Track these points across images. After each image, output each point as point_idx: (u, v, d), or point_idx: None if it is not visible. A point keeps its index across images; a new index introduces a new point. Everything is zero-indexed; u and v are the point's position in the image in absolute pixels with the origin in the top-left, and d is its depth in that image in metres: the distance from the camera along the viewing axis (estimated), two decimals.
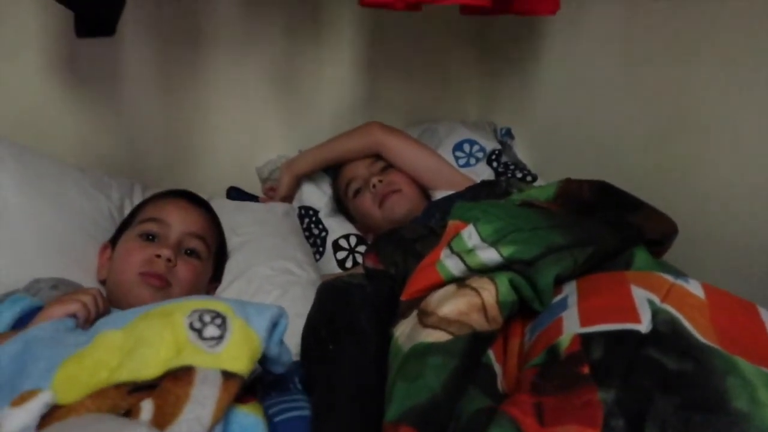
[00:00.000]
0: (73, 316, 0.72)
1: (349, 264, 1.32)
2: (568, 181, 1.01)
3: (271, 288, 1.05)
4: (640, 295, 0.68)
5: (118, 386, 0.57)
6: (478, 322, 0.69)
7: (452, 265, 0.79)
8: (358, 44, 1.53)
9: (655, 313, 0.64)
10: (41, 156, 1.09)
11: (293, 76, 1.48)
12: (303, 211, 1.39)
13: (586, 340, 0.62)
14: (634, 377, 0.56)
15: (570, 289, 0.75)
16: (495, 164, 1.49)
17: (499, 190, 1.20)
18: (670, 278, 0.73)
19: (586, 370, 0.58)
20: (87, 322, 0.74)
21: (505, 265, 0.78)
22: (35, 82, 1.24)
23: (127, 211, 1.09)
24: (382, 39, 1.55)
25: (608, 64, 1.30)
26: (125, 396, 0.57)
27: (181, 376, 0.59)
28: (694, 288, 0.70)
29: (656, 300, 0.67)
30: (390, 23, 1.52)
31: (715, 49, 1.06)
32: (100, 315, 0.76)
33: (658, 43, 1.18)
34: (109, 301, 0.91)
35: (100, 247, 1.00)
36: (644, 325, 0.62)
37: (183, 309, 0.67)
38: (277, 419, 0.70)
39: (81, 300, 0.74)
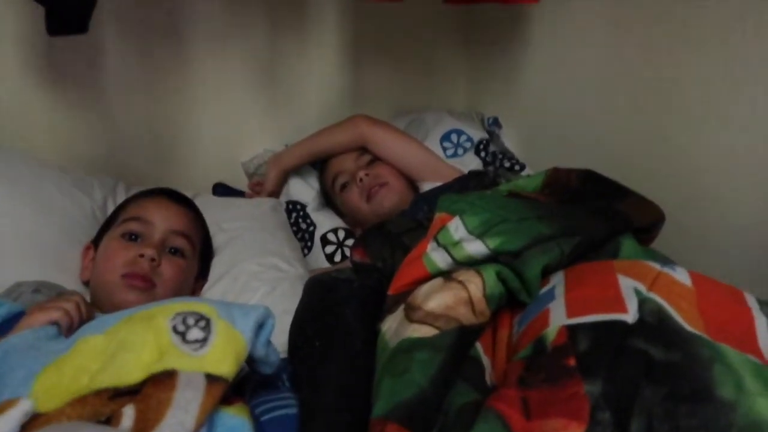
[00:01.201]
0: (55, 323, 0.71)
1: (337, 258, 1.31)
2: (555, 171, 1.00)
3: (259, 284, 1.04)
4: (627, 285, 0.68)
5: (99, 392, 0.56)
6: (465, 316, 0.69)
7: (439, 258, 0.79)
8: (342, 35, 1.52)
9: (642, 302, 0.64)
10: (20, 155, 1.07)
11: (277, 69, 1.46)
12: (290, 206, 1.38)
13: (572, 331, 0.61)
14: (620, 368, 0.56)
15: (557, 280, 0.75)
16: (483, 154, 1.48)
17: (487, 181, 1.20)
18: (656, 266, 0.72)
19: (572, 362, 0.57)
20: (70, 329, 0.72)
21: (492, 257, 0.77)
22: (13, 80, 1.21)
23: (110, 210, 1.08)
24: (367, 30, 1.53)
25: (595, 51, 1.29)
26: (106, 402, 0.56)
27: (163, 380, 0.58)
28: (681, 276, 0.70)
29: (643, 289, 0.67)
30: (374, 14, 1.50)
31: (703, 34, 1.05)
32: (83, 321, 0.75)
33: (645, 29, 1.17)
34: (93, 302, 0.91)
35: (82, 248, 0.99)
36: (631, 315, 0.62)
37: (166, 312, 0.66)
38: (264, 418, 0.70)
39: (63, 307, 0.73)
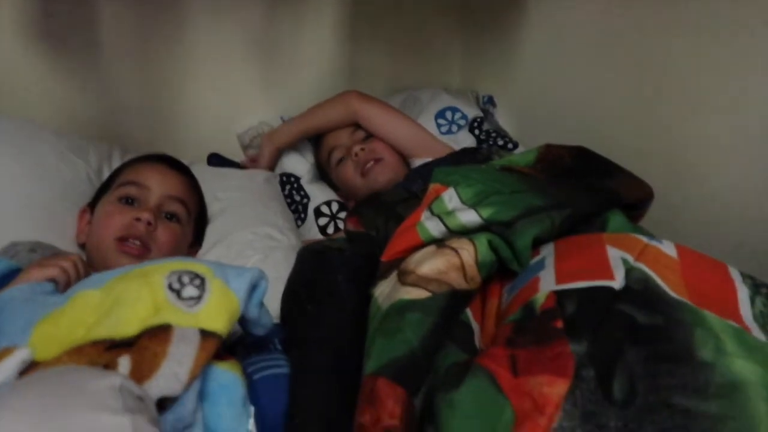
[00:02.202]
0: (53, 280, 0.72)
1: (330, 230, 1.32)
2: (548, 147, 1.01)
3: (252, 253, 1.05)
4: (615, 255, 0.69)
5: (95, 343, 0.57)
6: (457, 281, 0.70)
7: (432, 227, 0.80)
8: (339, 10, 1.51)
9: (629, 270, 0.65)
10: (15, 119, 1.07)
11: (274, 42, 1.46)
12: (284, 178, 1.38)
13: (560, 296, 0.63)
14: (605, 330, 0.57)
15: (547, 251, 0.76)
16: (477, 132, 1.49)
17: (481, 158, 1.21)
18: (644, 239, 0.74)
19: (559, 324, 0.59)
20: (66, 287, 0.73)
21: (485, 227, 0.78)
22: (9, 45, 1.20)
23: (105, 175, 1.08)
24: (363, 5, 1.52)
25: (590, 30, 1.30)
26: (102, 352, 0.57)
27: (158, 334, 0.59)
28: (668, 248, 0.72)
29: (630, 259, 0.68)
30: None
31: (698, 16, 1.06)
32: (79, 280, 0.76)
33: (641, 11, 1.18)
34: (89, 264, 0.91)
35: (78, 211, 0.99)
36: (618, 282, 0.64)
37: (161, 270, 0.67)
38: (256, 377, 0.71)
39: (61, 265, 0.74)
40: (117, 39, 1.30)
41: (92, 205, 0.98)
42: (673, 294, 0.62)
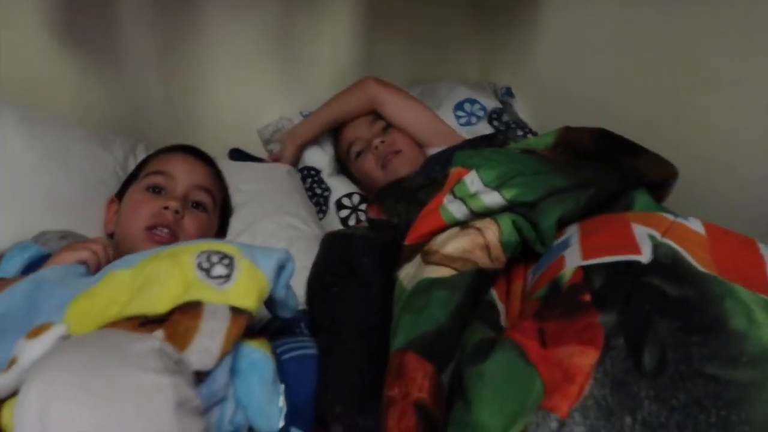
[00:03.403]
0: (83, 263, 0.74)
1: (351, 222, 1.32)
2: (567, 129, 1.01)
3: (276, 242, 1.06)
4: (641, 232, 0.69)
5: (129, 319, 0.59)
6: (482, 260, 0.71)
7: (455, 210, 0.80)
8: (356, 4, 1.52)
9: (656, 246, 0.65)
10: (43, 115, 1.09)
11: (292, 37, 1.47)
12: (305, 171, 1.39)
13: (587, 271, 0.63)
14: (634, 301, 0.57)
15: (572, 231, 0.76)
16: (496, 123, 1.49)
17: (497, 143, 1.21)
18: (670, 217, 0.74)
19: (587, 298, 0.59)
20: (97, 269, 0.75)
21: (508, 208, 0.78)
22: (37, 42, 1.23)
23: (131, 168, 1.10)
24: None
25: (609, 18, 1.29)
26: (136, 327, 0.58)
27: (189, 310, 0.60)
28: (695, 225, 0.71)
29: (657, 235, 0.68)
30: None
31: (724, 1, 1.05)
32: (108, 264, 0.78)
33: None
34: (117, 253, 0.93)
35: (106, 201, 1.01)
36: (645, 257, 0.63)
37: (191, 250, 0.68)
38: (285, 357, 0.72)
39: (91, 248, 0.75)
40: (140, 38, 1.32)
41: (120, 196, 1.00)
42: (701, 268, 0.62)
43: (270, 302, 0.73)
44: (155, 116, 1.37)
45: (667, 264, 0.62)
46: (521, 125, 1.49)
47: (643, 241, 0.67)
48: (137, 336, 0.50)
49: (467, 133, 1.42)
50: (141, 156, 1.16)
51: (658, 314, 0.56)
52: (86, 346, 0.44)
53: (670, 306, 0.57)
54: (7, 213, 0.93)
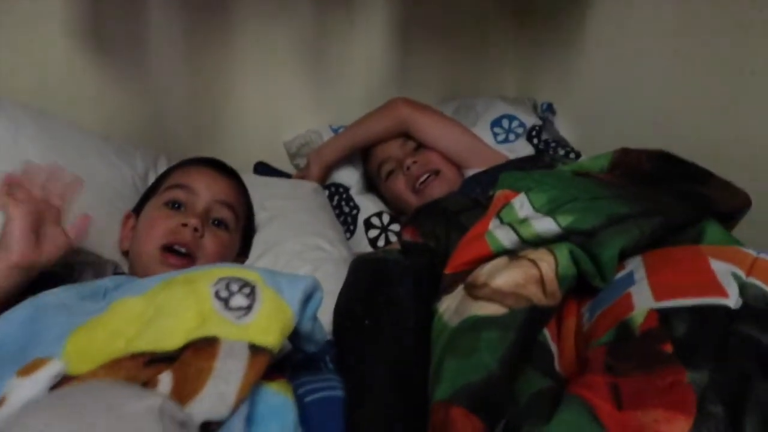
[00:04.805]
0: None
1: (381, 243, 1.25)
2: (624, 151, 0.92)
3: (301, 264, 0.98)
4: (722, 269, 0.60)
5: (135, 356, 0.51)
6: (537, 296, 0.62)
7: (503, 236, 0.72)
8: (390, 16, 1.46)
9: (743, 287, 0.56)
10: (62, 123, 1.04)
11: (323, 49, 1.42)
12: (333, 189, 1.32)
13: (664, 315, 0.54)
14: (727, 357, 0.48)
15: (635, 265, 0.67)
16: (535, 141, 1.40)
17: (544, 164, 1.12)
18: (752, 252, 0.64)
19: (668, 348, 0.50)
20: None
21: (563, 236, 0.70)
22: (59, 51, 1.19)
23: (151, 181, 1.04)
24: (416, 10, 1.48)
25: (659, 33, 1.21)
26: (142, 368, 0.51)
27: (204, 347, 0.53)
28: None
29: (741, 273, 0.59)
30: None
31: None
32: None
33: (713, 7, 1.08)
34: (131, 272, 0.86)
35: (123, 216, 0.95)
36: (732, 300, 0.54)
37: (208, 277, 0.61)
38: (308, 399, 0.64)
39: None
40: (164, 47, 1.28)
41: (137, 211, 0.94)
42: None
43: (294, 335, 0.65)
44: (179, 127, 1.33)
45: (760, 309, 0.53)
46: (562, 144, 1.41)
47: (726, 280, 0.57)
48: (136, 392, 0.42)
49: (506, 152, 1.33)
50: (162, 169, 1.09)
51: (758, 372, 0.47)
52: (73, 407, 0.37)
53: None
54: None
